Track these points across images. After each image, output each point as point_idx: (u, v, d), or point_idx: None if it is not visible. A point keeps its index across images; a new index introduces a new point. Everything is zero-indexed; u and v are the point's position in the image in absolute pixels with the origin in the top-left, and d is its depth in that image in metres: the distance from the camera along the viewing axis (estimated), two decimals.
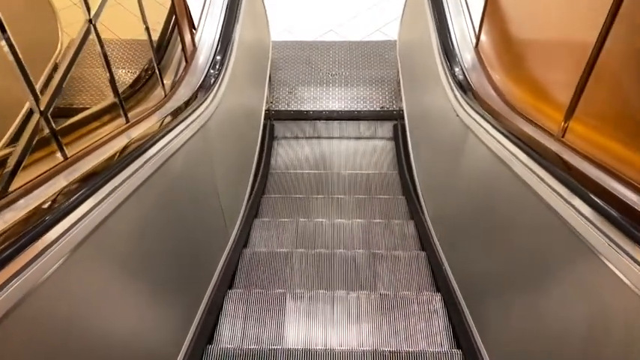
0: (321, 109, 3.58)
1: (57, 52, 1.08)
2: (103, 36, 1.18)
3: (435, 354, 1.64)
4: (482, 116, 1.72)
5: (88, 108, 1.18)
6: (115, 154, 1.15)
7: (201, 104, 1.90)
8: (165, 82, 1.82)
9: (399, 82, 3.59)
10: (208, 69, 2.16)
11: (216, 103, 2.07)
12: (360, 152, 3.26)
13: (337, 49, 4.04)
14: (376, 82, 3.73)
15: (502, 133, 1.47)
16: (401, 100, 3.45)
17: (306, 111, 3.58)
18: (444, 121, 2.30)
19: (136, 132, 1.32)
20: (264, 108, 3.19)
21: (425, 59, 2.69)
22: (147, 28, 1.59)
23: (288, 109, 3.60)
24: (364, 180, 2.97)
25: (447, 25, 2.34)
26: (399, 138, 3.33)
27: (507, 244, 1.44)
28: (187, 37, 2.12)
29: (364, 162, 3.18)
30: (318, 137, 3.37)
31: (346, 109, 3.57)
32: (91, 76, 1.23)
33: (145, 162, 1.26)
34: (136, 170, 1.20)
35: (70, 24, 1.11)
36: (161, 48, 1.92)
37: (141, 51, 1.62)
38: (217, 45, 2.29)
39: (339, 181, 2.93)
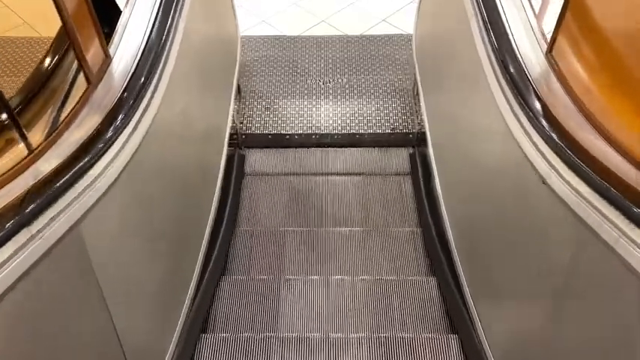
0: (309, 131, 2.79)
1: None
2: None
3: None
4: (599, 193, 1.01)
5: None
6: None
7: (100, 156, 1.14)
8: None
9: (416, 93, 2.81)
10: (122, 93, 1.38)
11: (133, 147, 1.31)
12: (365, 195, 2.47)
13: (331, 48, 3.23)
14: (384, 94, 2.94)
15: None
16: (420, 118, 2.67)
17: (289, 135, 2.78)
18: (505, 175, 1.55)
19: None
20: (228, 132, 2.40)
21: (464, 66, 1.92)
22: None
23: (265, 132, 2.79)
24: (372, 242, 2.20)
25: (501, 20, 1.60)
26: (418, 173, 2.56)
27: None
28: (92, 45, 1.35)
29: (373, 212, 2.38)
30: (305, 174, 2.57)
31: (344, 131, 2.79)
32: None
33: None
34: None
35: None
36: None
37: None
38: (145, 50, 1.53)
39: (337, 247, 2.15)
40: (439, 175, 2.22)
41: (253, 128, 2.78)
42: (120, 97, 1.31)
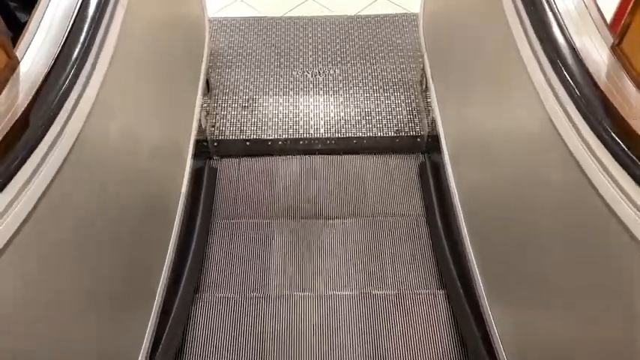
0: (296, 135, 2.37)
1: None
2: None
3: None
4: None
5: None
6: None
7: None
8: None
9: (425, 87, 2.39)
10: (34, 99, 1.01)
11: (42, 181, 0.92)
12: (371, 231, 2.05)
13: (321, 31, 2.79)
14: (385, 88, 2.51)
15: None
16: (431, 118, 2.25)
17: (272, 140, 2.36)
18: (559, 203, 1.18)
19: None
20: (192, 141, 1.97)
21: (493, 54, 1.52)
22: None
23: (242, 136, 2.37)
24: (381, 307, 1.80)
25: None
26: (430, 187, 2.15)
27: None
28: None
29: (383, 255, 1.97)
30: (293, 202, 2.13)
31: (338, 135, 2.37)
32: None
33: None
34: None
35: None
36: None
37: None
38: (66, 39, 1.16)
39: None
40: (459, 189, 1.82)
41: (228, 132, 2.34)
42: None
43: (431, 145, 2.27)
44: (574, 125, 1.06)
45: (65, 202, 1.05)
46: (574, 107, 1.07)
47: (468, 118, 1.78)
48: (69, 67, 1.10)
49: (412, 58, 2.62)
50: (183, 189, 1.82)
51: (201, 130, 2.20)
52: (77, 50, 1.14)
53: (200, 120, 2.15)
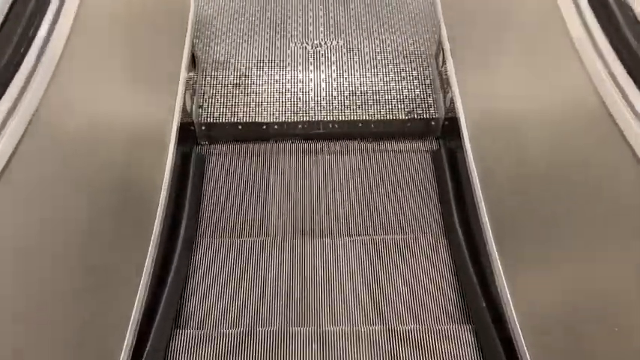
0: (294, 118, 2.12)
1: None
2: None
3: None
4: None
5: None
6: None
7: None
8: None
9: (442, 62, 2.12)
10: None
11: None
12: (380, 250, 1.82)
13: None
14: (395, 62, 2.24)
15: None
16: (448, 97, 2.00)
17: (267, 124, 2.11)
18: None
19: None
20: (176, 124, 1.72)
21: (531, 22, 1.27)
22: None
23: (233, 120, 2.13)
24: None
25: None
26: (446, 180, 1.92)
27: None
28: None
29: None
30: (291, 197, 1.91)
31: (342, 117, 2.12)
32: None
33: None
34: None
35: None
36: None
37: None
38: None
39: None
40: (483, 181, 1.59)
41: (217, 114, 2.09)
42: None
43: (448, 128, 2.02)
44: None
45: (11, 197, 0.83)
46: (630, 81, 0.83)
47: (495, 97, 1.52)
48: (20, 28, 0.87)
49: (426, 27, 2.34)
50: (165, 182, 1.59)
51: (186, 112, 1.95)
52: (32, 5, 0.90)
53: (185, 100, 1.90)
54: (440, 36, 2.03)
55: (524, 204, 1.33)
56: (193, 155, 1.97)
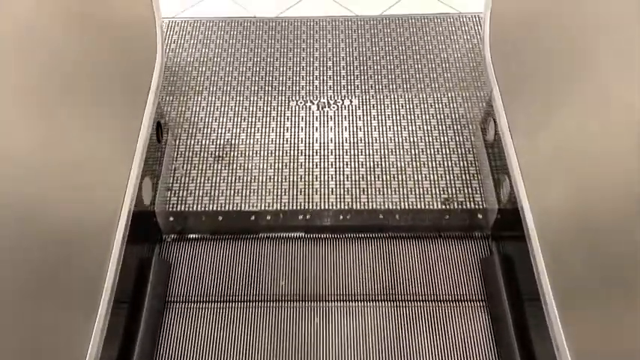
0: (293, 205, 1.63)
1: None
2: None
3: None
4: None
5: None
6: None
7: None
8: None
9: (494, 131, 1.63)
10: None
11: None
12: None
13: (332, 39, 2.04)
14: (427, 129, 1.76)
15: None
16: (504, 177, 1.51)
17: (256, 212, 1.62)
18: None
19: None
20: (125, 214, 1.23)
21: None
22: None
23: (213, 207, 1.63)
24: None
25: None
26: (503, 307, 1.41)
27: None
28: None
29: None
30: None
31: (357, 205, 1.62)
32: None
33: None
34: None
35: None
36: None
37: None
38: None
39: None
40: (569, 329, 1.09)
41: (191, 200, 1.61)
42: None
43: (503, 224, 1.52)
44: None
45: None
46: None
47: (589, 183, 1.03)
48: None
49: (467, 81, 1.86)
50: (102, 309, 1.10)
51: (144, 197, 1.47)
52: None
53: (142, 180, 1.42)
54: (491, 93, 1.55)
55: None
56: (154, 261, 1.48)
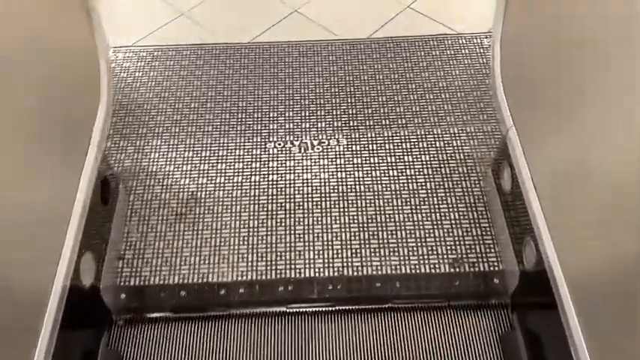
0: (271, 274, 1.37)
1: None
2: None
3: None
4: None
5: None
6: None
7: None
8: None
9: (506, 176, 1.39)
10: None
11: None
12: None
13: (314, 66, 1.79)
14: (429, 174, 1.51)
15: None
16: (526, 239, 1.25)
17: (227, 284, 1.35)
18: None
19: None
20: (58, 291, 0.96)
21: None
22: None
23: (173, 279, 1.36)
24: None
25: None
26: None
27: None
28: None
29: None
30: None
31: (348, 271, 1.36)
32: None
33: None
34: None
35: None
36: None
37: None
38: None
39: None
40: None
41: (147, 271, 1.34)
42: None
43: (526, 289, 1.27)
44: None
45: None
46: None
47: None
48: None
49: (470, 113, 1.62)
50: None
51: (85, 271, 1.19)
52: None
53: (80, 250, 1.15)
54: (506, 140, 1.31)
55: None
56: (101, 353, 1.20)
